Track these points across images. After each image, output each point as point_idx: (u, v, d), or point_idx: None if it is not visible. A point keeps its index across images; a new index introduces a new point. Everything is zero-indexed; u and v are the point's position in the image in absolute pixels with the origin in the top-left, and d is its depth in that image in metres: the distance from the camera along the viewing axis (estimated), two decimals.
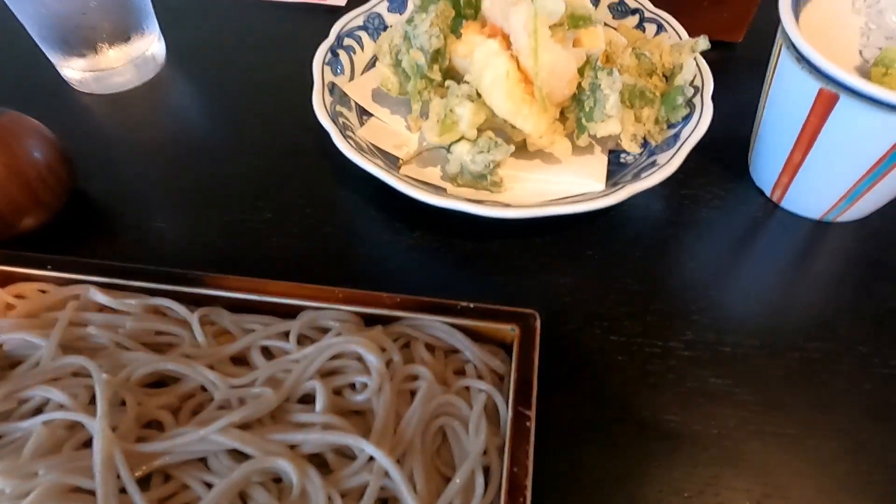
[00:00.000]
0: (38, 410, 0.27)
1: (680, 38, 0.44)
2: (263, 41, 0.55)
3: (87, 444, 0.26)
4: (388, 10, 0.48)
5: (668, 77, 0.42)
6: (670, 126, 0.40)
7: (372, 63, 0.46)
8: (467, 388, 0.29)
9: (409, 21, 0.37)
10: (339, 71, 0.44)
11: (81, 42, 0.47)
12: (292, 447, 0.26)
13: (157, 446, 0.25)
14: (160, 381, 0.29)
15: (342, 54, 0.44)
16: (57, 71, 0.49)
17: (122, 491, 0.24)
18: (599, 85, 0.36)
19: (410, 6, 0.43)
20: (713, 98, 0.40)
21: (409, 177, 0.39)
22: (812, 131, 0.36)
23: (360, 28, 0.46)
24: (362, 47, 0.46)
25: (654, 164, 0.37)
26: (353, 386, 0.28)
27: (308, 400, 0.28)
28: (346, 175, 0.42)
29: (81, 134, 0.47)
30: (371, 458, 0.25)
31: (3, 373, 0.29)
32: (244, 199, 0.43)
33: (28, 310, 0.31)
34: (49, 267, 0.32)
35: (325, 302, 0.31)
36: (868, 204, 0.39)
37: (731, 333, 0.36)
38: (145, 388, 0.28)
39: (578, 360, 0.34)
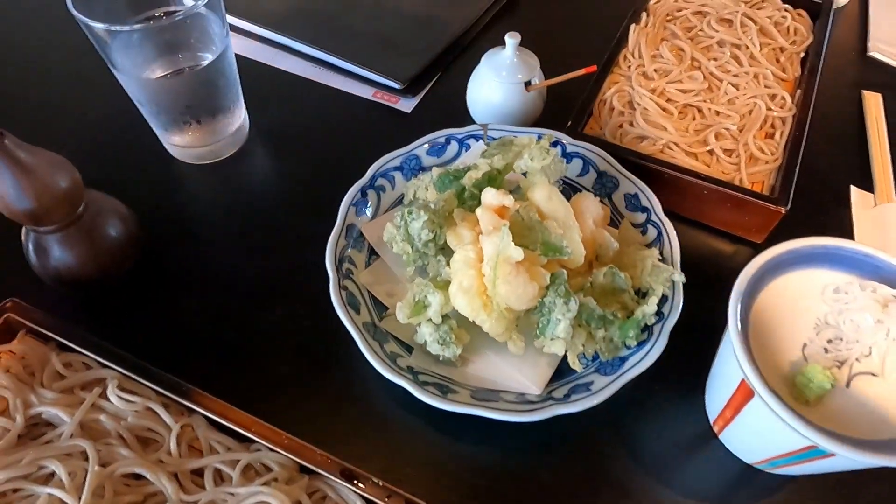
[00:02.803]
0: (52, 475, 0.37)
1: (672, 255, 0.46)
2: (333, 129, 0.63)
3: None
4: (427, 153, 0.54)
5: (644, 294, 0.45)
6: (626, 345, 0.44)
7: (399, 200, 0.52)
8: None
9: (409, 212, 0.43)
10: (362, 211, 0.50)
11: (181, 123, 0.56)
12: None
13: None
14: (138, 475, 0.38)
15: (371, 194, 0.51)
16: (161, 142, 0.59)
17: None
18: (553, 310, 0.40)
19: (427, 178, 0.48)
20: (714, 294, 0.41)
21: (386, 329, 0.45)
22: (736, 405, 0.39)
23: (395, 168, 0.52)
24: (393, 186, 0.52)
25: (589, 385, 0.41)
26: None
27: None
28: None
29: (169, 199, 0.57)
30: None
31: (39, 432, 0.40)
32: (262, 294, 0.51)
33: (67, 385, 0.41)
34: (92, 349, 0.42)
35: (273, 443, 0.39)
36: (792, 472, 0.41)
37: None
38: (125, 478, 0.38)
39: None
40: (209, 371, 0.46)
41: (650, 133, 0.55)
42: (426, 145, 0.53)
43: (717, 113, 0.57)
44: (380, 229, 0.50)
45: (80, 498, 0.36)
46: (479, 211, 0.42)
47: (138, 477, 0.38)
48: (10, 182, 0.41)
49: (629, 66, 0.61)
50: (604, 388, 0.41)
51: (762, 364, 0.36)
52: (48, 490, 0.36)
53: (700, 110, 0.57)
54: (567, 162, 0.53)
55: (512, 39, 0.55)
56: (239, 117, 0.60)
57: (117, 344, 0.44)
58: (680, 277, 0.44)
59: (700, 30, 0.64)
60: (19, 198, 0.42)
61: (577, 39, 0.71)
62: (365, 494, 0.37)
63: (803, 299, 0.39)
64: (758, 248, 0.54)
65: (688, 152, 0.54)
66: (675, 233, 0.48)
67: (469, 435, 0.44)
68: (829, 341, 0.37)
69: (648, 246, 0.48)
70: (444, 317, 0.42)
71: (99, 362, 0.42)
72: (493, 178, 0.44)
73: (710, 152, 0.55)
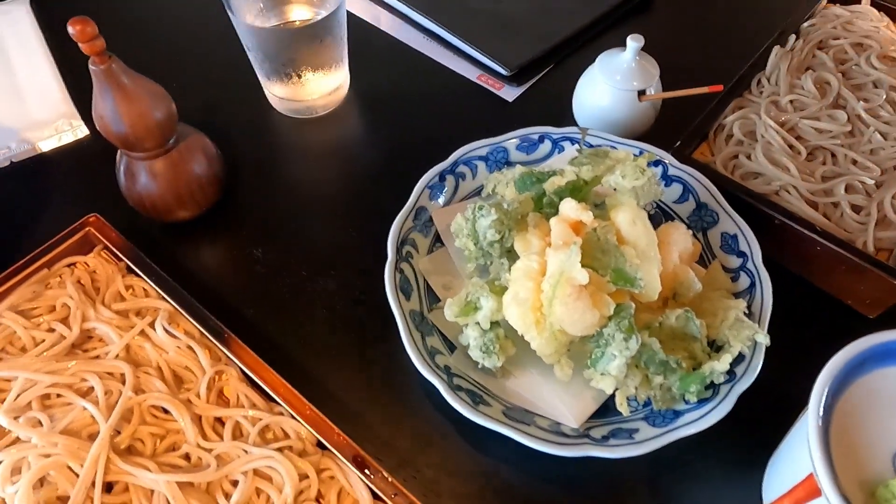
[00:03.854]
0: (91, 390, 0.39)
1: (761, 311, 0.41)
2: (430, 105, 0.61)
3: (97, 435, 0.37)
4: (517, 148, 0.51)
5: (719, 347, 0.40)
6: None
7: (478, 191, 0.50)
8: None
9: (480, 207, 0.41)
10: (436, 195, 0.48)
11: (283, 75, 0.57)
12: None
13: (129, 468, 0.36)
14: (166, 409, 0.39)
15: (450, 179, 0.49)
16: (264, 91, 0.60)
17: (94, 483, 0.35)
18: (611, 343, 0.37)
19: (510, 175, 0.45)
20: (800, 364, 0.36)
21: (433, 322, 0.44)
22: (797, 499, 0.34)
23: (480, 158, 0.50)
24: (475, 175, 0.50)
25: (633, 433, 0.38)
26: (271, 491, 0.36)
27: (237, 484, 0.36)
28: None
29: (259, 147, 0.58)
30: None
31: (91, 345, 0.42)
32: (324, 259, 0.51)
33: (124, 308, 0.43)
34: (153, 278, 0.44)
35: (296, 411, 0.39)
36: None
37: None
38: (154, 409, 0.39)
39: None
40: (254, 323, 0.46)
41: (768, 171, 0.49)
42: (517, 139, 0.51)
43: (854, 162, 0.50)
44: (450, 217, 0.48)
45: (108, 418, 0.37)
46: (553, 221, 0.39)
47: (166, 411, 0.39)
48: (110, 105, 0.43)
49: (761, 92, 0.55)
50: (648, 440, 0.37)
51: (839, 463, 0.31)
52: (83, 403, 0.38)
53: (834, 155, 0.51)
54: (665, 185, 0.48)
55: (634, 42, 0.50)
56: (339, 77, 0.60)
57: (177, 277, 0.45)
58: (764, 339, 0.39)
59: (856, 64, 0.56)
60: (116, 121, 0.43)
61: (708, 53, 0.65)
62: (372, 486, 0.36)
63: None
64: (867, 325, 0.47)
65: (808, 200, 0.48)
66: (770, 287, 0.42)
67: (495, 449, 0.42)
68: None
69: (736, 295, 0.43)
70: (494, 323, 0.40)
71: (157, 292, 0.44)
72: (578, 189, 0.41)
73: (835, 205, 0.48)
